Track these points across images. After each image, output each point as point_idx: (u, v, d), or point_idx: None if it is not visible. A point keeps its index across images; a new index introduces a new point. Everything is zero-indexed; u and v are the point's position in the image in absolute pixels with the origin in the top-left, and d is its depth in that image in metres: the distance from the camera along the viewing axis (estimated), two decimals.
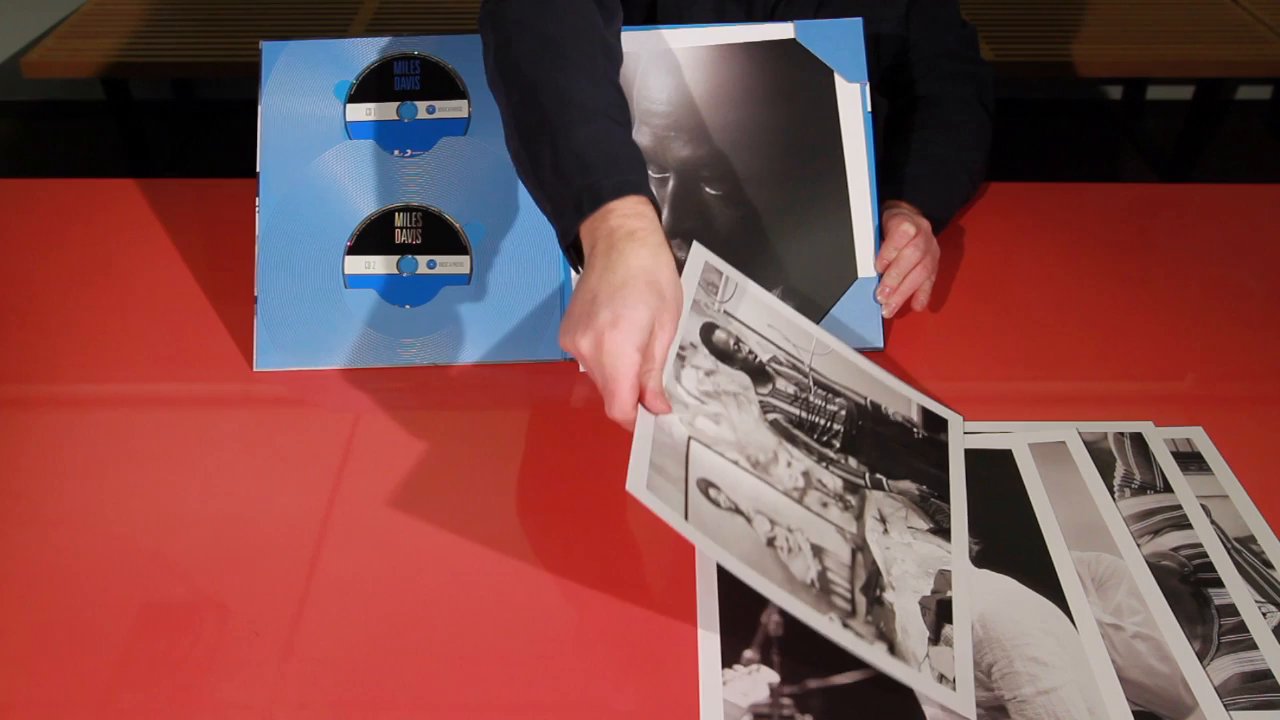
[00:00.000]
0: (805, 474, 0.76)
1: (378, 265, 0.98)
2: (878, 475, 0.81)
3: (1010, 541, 0.80)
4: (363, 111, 1.00)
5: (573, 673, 0.71)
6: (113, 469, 0.86)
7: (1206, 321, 1.04)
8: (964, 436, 0.89)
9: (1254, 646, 0.72)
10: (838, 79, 0.99)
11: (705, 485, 0.70)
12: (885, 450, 0.83)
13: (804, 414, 0.80)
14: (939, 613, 0.73)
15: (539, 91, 0.84)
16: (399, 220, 0.99)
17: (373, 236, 0.99)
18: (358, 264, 0.98)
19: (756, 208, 0.98)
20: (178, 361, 0.98)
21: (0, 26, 2.82)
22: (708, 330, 0.80)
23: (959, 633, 0.72)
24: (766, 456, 0.75)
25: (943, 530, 0.79)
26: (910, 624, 0.71)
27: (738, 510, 0.70)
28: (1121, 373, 0.98)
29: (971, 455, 0.87)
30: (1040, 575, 0.77)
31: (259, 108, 1.00)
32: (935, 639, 0.71)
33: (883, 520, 0.77)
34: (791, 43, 0.99)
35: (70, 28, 2.41)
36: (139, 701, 0.69)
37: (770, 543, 0.70)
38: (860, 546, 0.74)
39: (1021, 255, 1.14)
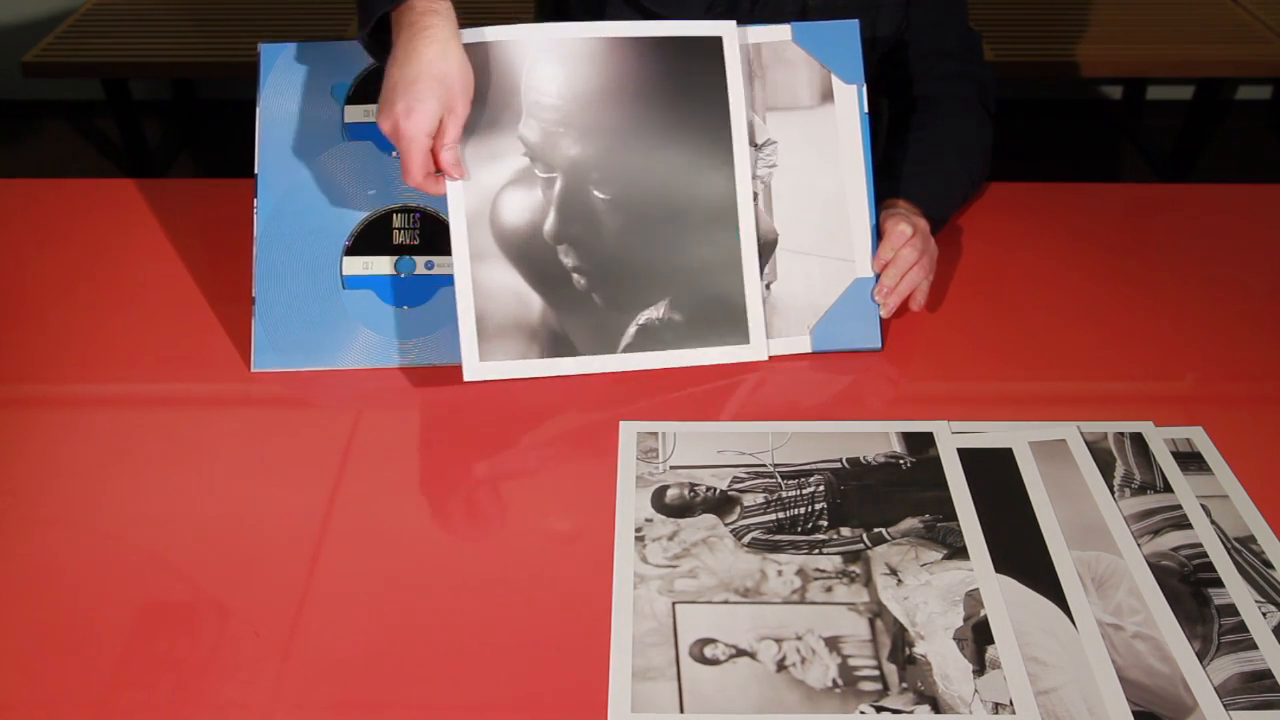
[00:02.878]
0: (799, 572, 0.77)
1: (376, 266, 0.98)
2: (876, 530, 0.80)
3: (1010, 541, 0.80)
4: (361, 113, 1.00)
5: (573, 672, 0.71)
6: (112, 469, 0.86)
7: (1206, 321, 1.04)
8: (954, 437, 0.88)
9: (1254, 646, 0.72)
10: (835, 80, 0.99)
11: (701, 645, 0.72)
12: (877, 501, 0.83)
13: (780, 515, 0.81)
14: (977, 639, 0.72)
15: None
16: (397, 221, 0.99)
17: (371, 237, 0.99)
18: (356, 265, 0.98)
19: (646, 213, 0.95)
20: (176, 362, 0.98)
21: (0, 26, 2.82)
22: (659, 495, 0.83)
23: (1004, 650, 0.71)
24: (754, 579, 0.76)
25: (958, 551, 0.79)
26: (950, 667, 0.70)
27: (740, 651, 0.71)
28: (1121, 373, 0.98)
29: (971, 454, 0.87)
30: (1040, 575, 0.77)
31: (257, 109, 1.00)
32: (980, 668, 0.70)
33: (894, 572, 0.77)
34: (674, 40, 0.95)
35: (70, 28, 2.41)
36: (139, 701, 0.69)
37: (781, 665, 0.70)
38: (877, 612, 0.74)
39: (1021, 255, 1.14)
